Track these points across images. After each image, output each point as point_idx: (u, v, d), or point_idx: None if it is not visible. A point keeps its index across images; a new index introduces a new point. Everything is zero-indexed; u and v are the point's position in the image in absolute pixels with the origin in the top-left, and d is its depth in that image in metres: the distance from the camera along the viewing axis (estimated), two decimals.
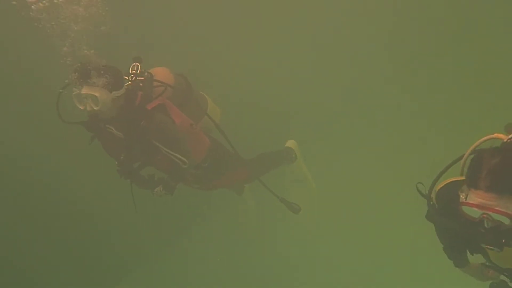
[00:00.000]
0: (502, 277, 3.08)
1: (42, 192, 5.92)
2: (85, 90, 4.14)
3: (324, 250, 5.81)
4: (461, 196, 2.52)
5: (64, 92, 4.29)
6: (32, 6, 4.18)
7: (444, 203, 2.81)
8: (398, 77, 5.85)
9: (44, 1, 4.19)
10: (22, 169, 5.82)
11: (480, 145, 2.70)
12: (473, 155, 2.60)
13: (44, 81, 5.40)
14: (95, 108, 4.17)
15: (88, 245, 6.02)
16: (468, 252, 3.05)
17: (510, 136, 2.57)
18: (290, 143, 5.67)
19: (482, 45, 5.54)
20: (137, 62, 4.37)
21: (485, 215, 2.45)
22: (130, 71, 4.36)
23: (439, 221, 2.88)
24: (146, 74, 4.40)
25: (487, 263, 3.00)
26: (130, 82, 4.32)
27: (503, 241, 2.51)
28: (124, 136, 4.41)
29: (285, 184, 5.76)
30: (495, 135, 2.58)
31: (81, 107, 4.21)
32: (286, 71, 5.87)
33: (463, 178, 2.62)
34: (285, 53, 5.82)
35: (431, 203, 2.84)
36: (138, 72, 4.34)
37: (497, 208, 2.41)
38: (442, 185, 2.83)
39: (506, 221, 2.42)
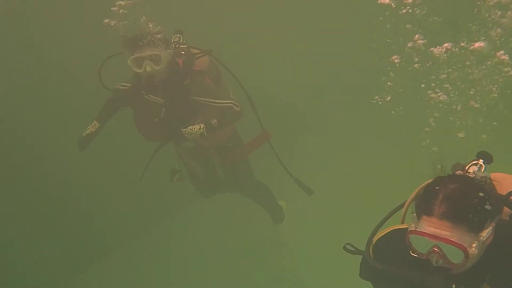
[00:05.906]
0: None
1: (26, 172, 5.94)
2: (147, 51, 4.43)
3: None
4: (410, 226, 2.24)
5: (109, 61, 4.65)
6: None
7: (385, 253, 2.46)
8: None
9: None
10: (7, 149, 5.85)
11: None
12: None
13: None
14: (155, 68, 4.46)
15: (72, 222, 6.06)
16: None
17: (469, 164, 2.40)
18: (282, 204, 5.68)
19: None
20: (179, 34, 4.76)
21: (436, 249, 2.16)
22: (172, 41, 4.72)
23: (378, 275, 2.50)
24: (186, 45, 4.78)
25: None
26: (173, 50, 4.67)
27: (453, 286, 2.28)
28: (165, 99, 4.66)
29: None
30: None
31: (139, 70, 4.48)
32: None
33: (406, 226, 2.34)
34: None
35: (369, 258, 2.47)
36: (180, 41, 4.74)
37: (451, 239, 2.14)
38: (382, 234, 2.50)
39: (459, 257, 2.16)
